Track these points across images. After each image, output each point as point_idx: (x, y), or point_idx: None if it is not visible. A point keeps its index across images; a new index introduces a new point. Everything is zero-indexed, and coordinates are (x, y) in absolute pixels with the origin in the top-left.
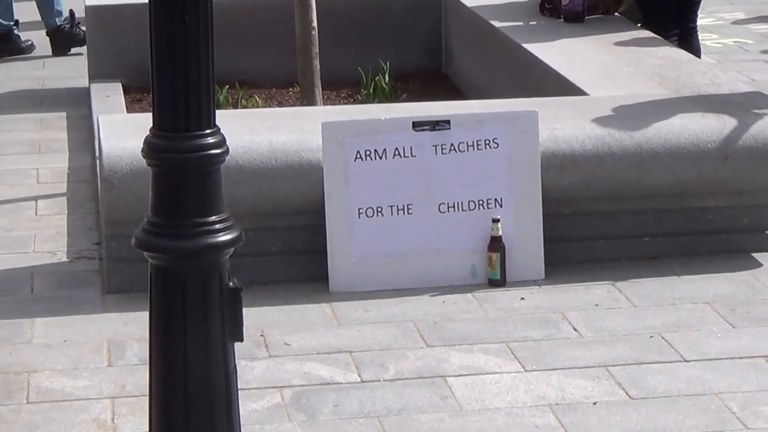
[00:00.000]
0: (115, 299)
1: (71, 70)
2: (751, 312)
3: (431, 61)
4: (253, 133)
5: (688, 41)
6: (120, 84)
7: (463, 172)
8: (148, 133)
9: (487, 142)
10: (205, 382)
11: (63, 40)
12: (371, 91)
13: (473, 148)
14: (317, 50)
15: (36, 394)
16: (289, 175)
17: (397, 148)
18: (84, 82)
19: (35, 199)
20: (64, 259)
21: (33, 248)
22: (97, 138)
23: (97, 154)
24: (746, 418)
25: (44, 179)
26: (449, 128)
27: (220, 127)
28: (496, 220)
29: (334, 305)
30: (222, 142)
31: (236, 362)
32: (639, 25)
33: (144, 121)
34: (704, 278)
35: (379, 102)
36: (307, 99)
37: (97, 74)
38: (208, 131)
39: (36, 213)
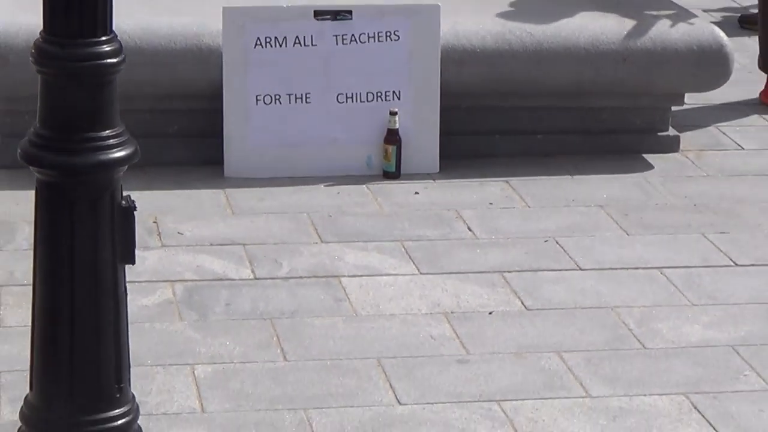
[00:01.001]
0: (7, 175)
1: None
2: (644, 218)
3: None
4: (153, 13)
5: None
6: None
7: (362, 64)
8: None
9: (389, 34)
10: (93, 310)
11: None
12: None
13: (374, 40)
14: None
15: None
16: (189, 58)
17: (297, 37)
18: None
19: None
20: None
21: None
22: None
23: None
24: (643, 336)
25: None
26: (351, 19)
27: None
28: (393, 113)
29: (228, 192)
30: (119, 50)
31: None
32: None
33: None
34: (597, 179)
35: None
36: None
37: None
38: (103, 38)
39: None
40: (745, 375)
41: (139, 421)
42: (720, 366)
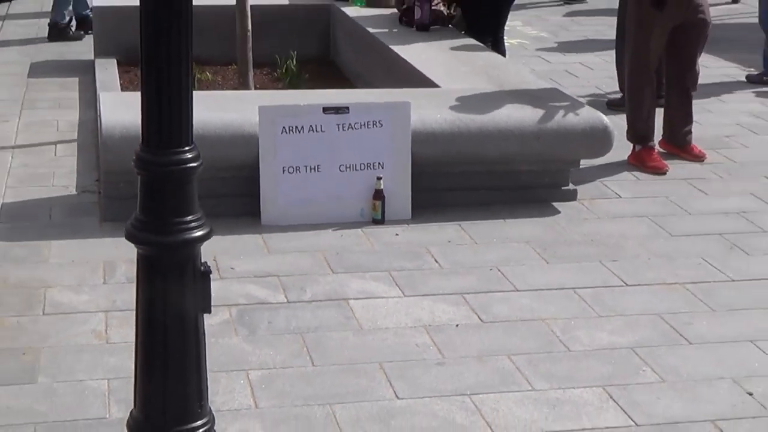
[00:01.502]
0: (109, 227)
1: (83, 46)
2: (557, 251)
3: (323, 52)
4: (209, 111)
5: (498, 46)
6: (115, 60)
7: (357, 144)
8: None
9: (375, 122)
10: (181, 348)
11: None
12: (284, 70)
13: (365, 127)
14: (250, 45)
15: (50, 307)
16: (235, 142)
17: (311, 126)
18: (91, 56)
19: (55, 143)
20: (74, 192)
21: (52, 183)
22: (99, 111)
23: (98, 120)
24: (568, 341)
25: (62, 128)
26: (348, 113)
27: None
28: (379, 178)
29: (264, 236)
30: (197, 157)
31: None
32: (463, 33)
33: (132, 99)
34: (522, 222)
35: (289, 80)
36: (242, 79)
37: (99, 53)
38: (186, 148)
39: (55, 155)
40: (644, 371)
41: None
42: (625, 364)
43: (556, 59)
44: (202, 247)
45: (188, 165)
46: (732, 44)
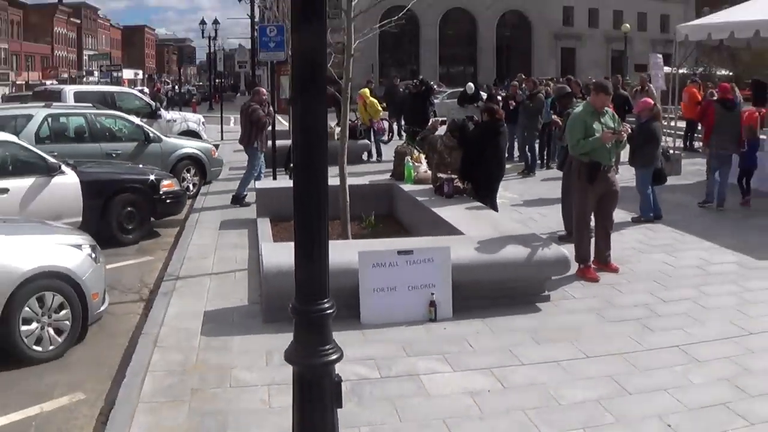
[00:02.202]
0: (269, 327)
1: (250, 212)
2: (543, 336)
3: (388, 210)
4: (330, 252)
5: (493, 205)
6: (268, 219)
7: (418, 272)
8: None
9: (429, 259)
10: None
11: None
12: (367, 223)
13: (423, 262)
14: (348, 210)
15: (234, 382)
16: (344, 276)
17: (390, 262)
18: (254, 216)
19: (234, 272)
20: (246, 303)
21: (234, 297)
22: (260, 255)
23: (260, 259)
24: (558, 398)
25: (239, 261)
26: (413, 254)
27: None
28: (432, 293)
29: (364, 331)
30: (332, 306)
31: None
32: (472, 198)
33: (280, 248)
34: (519, 317)
35: (372, 230)
36: (343, 231)
37: (259, 215)
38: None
39: (235, 278)
40: (605, 416)
41: None
42: (594, 411)
43: (524, 211)
44: None
45: (326, 312)
46: (624, 200)
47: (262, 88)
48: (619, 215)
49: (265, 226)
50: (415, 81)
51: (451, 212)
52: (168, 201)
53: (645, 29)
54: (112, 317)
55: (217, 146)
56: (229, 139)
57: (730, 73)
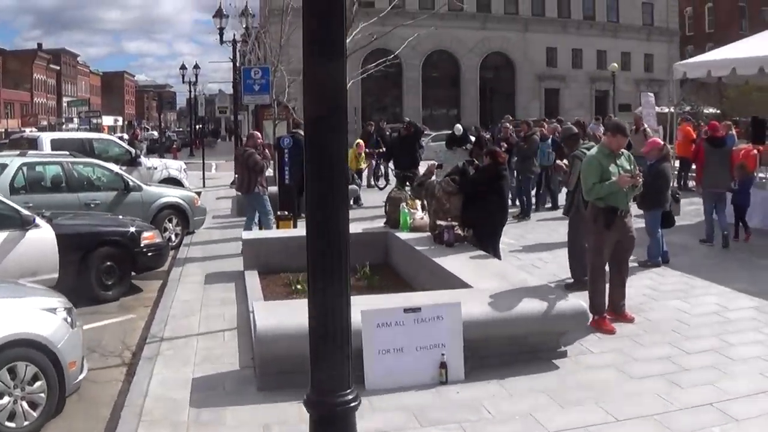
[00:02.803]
0: (264, 395)
1: (236, 263)
2: (566, 397)
3: (382, 259)
4: None
5: (495, 252)
6: (256, 272)
7: (427, 331)
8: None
9: (438, 317)
10: None
11: None
12: (361, 274)
13: (432, 320)
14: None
15: None
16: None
17: (396, 321)
18: (240, 268)
19: (223, 331)
20: (238, 367)
21: (224, 361)
22: (252, 315)
23: (252, 319)
24: None
25: (227, 319)
26: (420, 311)
27: None
28: (442, 354)
29: (369, 398)
30: (356, 397)
31: None
32: (473, 246)
33: (274, 307)
34: (537, 376)
35: (367, 282)
36: None
37: (246, 267)
38: (347, 390)
39: (224, 339)
40: None
41: None
42: None
43: (524, 257)
44: None
45: (350, 405)
46: None
47: (256, 132)
48: None
49: (253, 279)
50: (403, 124)
51: (453, 262)
52: (150, 254)
53: (629, 69)
54: (92, 385)
55: (199, 194)
56: (211, 186)
57: (718, 111)
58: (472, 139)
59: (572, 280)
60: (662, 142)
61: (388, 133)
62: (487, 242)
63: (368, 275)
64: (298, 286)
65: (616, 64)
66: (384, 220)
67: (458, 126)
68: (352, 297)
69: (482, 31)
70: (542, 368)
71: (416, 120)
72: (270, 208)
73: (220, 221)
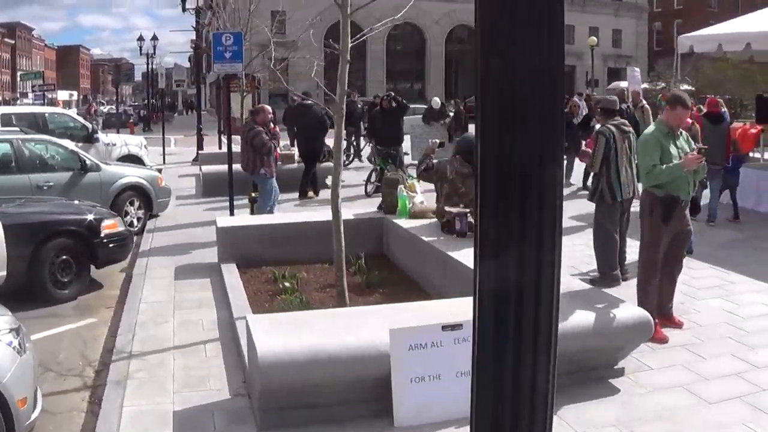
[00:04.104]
0: None
1: (209, 254)
2: (630, 426)
3: (378, 248)
4: (341, 330)
5: None
6: (234, 265)
7: (469, 353)
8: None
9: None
10: None
11: None
12: (356, 267)
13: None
14: (345, 274)
15: None
16: (373, 359)
17: (433, 341)
18: (214, 259)
19: (203, 343)
20: (228, 395)
21: (207, 386)
22: (248, 331)
23: (248, 340)
24: None
25: (207, 327)
26: (462, 329)
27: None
28: None
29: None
30: None
31: None
32: None
33: (275, 320)
34: (597, 402)
35: (366, 277)
36: (338, 293)
37: (222, 259)
38: None
39: (206, 354)
40: None
41: None
42: None
43: None
44: None
45: None
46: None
47: (267, 106)
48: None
49: (232, 275)
50: (384, 96)
51: (467, 255)
52: (111, 245)
53: (597, 45)
54: (49, 419)
55: (160, 170)
56: (171, 163)
57: (692, 88)
58: (451, 113)
59: (598, 274)
60: (690, 121)
61: (360, 105)
62: None
63: (364, 268)
64: (286, 284)
65: (595, 38)
66: (366, 198)
67: (436, 99)
68: (363, 307)
69: (448, 3)
70: (601, 392)
71: (381, 93)
72: (272, 192)
73: (184, 201)
